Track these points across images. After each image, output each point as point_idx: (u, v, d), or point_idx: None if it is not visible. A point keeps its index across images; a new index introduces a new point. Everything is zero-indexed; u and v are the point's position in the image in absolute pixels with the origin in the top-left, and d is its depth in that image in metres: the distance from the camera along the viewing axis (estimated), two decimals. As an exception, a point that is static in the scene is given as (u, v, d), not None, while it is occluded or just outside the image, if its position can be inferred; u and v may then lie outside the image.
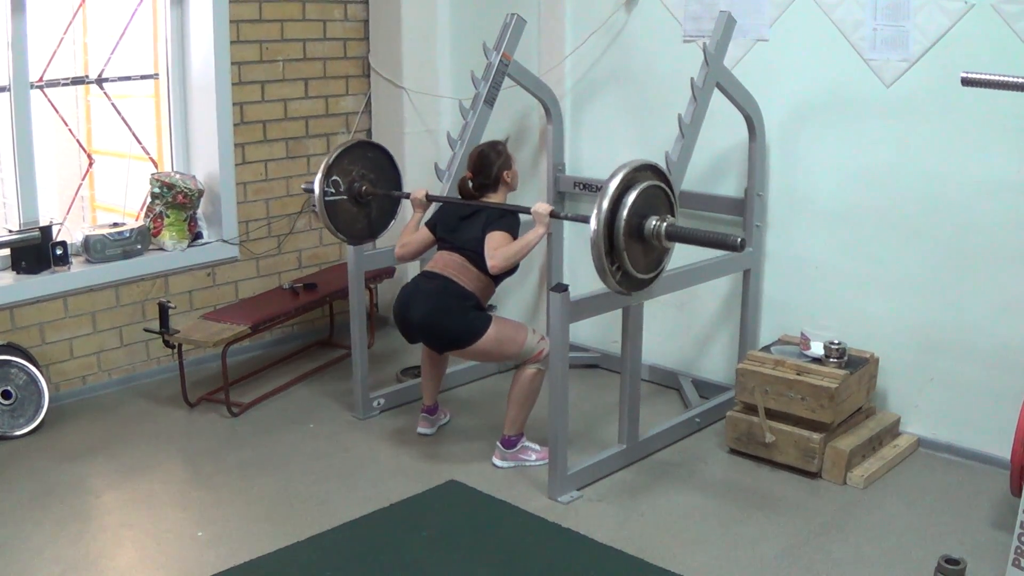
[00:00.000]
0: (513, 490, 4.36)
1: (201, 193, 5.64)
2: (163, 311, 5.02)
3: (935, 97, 4.45)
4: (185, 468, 4.62)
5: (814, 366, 4.52)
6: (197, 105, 5.71)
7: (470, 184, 4.66)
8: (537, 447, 4.59)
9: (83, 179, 5.79)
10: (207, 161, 5.74)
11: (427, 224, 4.72)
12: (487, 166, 4.61)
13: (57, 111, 5.58)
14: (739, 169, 5.09)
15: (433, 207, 4.80)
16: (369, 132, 6.28)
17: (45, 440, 4.86)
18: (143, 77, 5.84)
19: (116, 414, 5.18)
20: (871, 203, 4.72)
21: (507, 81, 5.28)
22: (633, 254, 3.86)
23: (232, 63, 5.58)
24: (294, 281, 5.80)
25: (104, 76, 5.68)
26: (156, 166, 5.87)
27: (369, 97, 6.26)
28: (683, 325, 5.50)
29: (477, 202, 4.60)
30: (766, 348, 4.79)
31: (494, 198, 4.62)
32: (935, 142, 4.49)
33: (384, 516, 4.14)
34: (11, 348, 4.98)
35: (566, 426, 4.27)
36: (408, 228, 4.75)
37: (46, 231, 5.11)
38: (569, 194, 5.78)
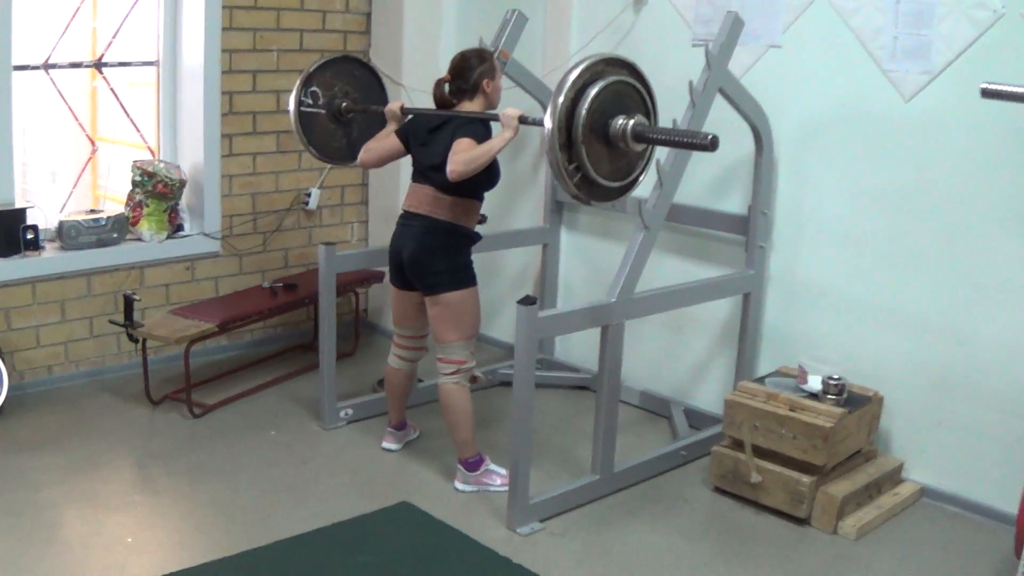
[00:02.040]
0: (470, 517, 4.04)
1: (183, 184, 5.41)
2: (128, 303, 4.78)
3: (957, 114, 4.06)
4: (132, 469, 4.38)
5: (810, 402, 4.13)
6: (186, 92, 5.50)
7: (446, 88, 4.28)
8: (503, 472, 4.25)
9: (85, 165, 5.62)
10: (193, 150, 5.52)
11: (397, 133, 4.36)
12: (467, 70, 4.21)
13: (61, 95, 5.42)
14: (744, 185, 4.73)
15: None
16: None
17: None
18: (143, 64, 5.64)
19: (76, 407, 4.97)
20: (883, 227, 4.34)
21: (509, 84, 4.99)
22: (595, 154, 3.58)
23: (223, 50, 5.36)
24: (274, 280, 5.54)
25: (104, 61, 5.52)
26: (154, 155, 5.66)
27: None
28: (679, 350, 5.15)
29: (449, 111, 4.23)
30: (760, 380, 4.41)
31: (469, 107, 4.22)
32: (955, 163, 4.10)
33: (323, 536, 3.84)
34: (-29, 334, 4.80)
35: (528, 450, 3.94)
36: (378, 136, 4.44)
37: (18, 213, 4.92)
38: (568, 204, 5.46)
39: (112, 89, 5.56)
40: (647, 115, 3.75)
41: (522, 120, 3.98)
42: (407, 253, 4.21)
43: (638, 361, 5.23)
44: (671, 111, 4.02)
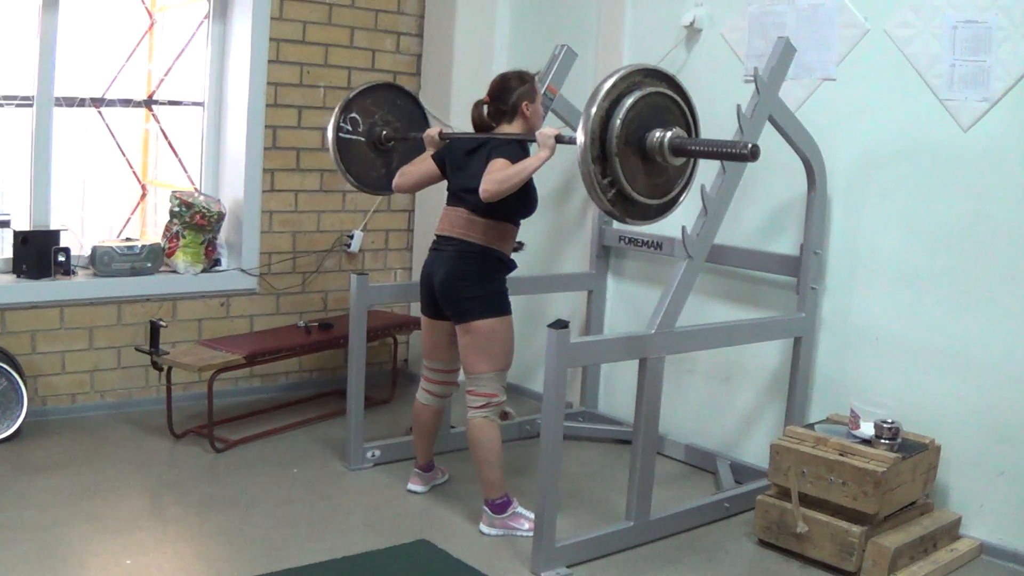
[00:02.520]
0: (492, 559, 3.77)
1: (222, 216, 5.32)
2: (154, 330, 4.67)
3: (1019, 142, 3.82)
4: (142, 496, 4.19)
5: (861, 447, 3.84)
6: (230, 124, 5.46)
7: (485, 110, 4.13)
8: (532, 516, 3.96)
9: (134, 210, 5.61)
10: (234, 185, 5.45)
11: (434, 157, 4.21)
12: (507, 91, 4.05)
13: (113, 134, 5.44)
14: (796, 225, 4.49)
15: None
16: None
17: (13, 450, 4.55)
18: (193, 104, 5.66)
19: (95, 435, 4.83)
20: (942, 265, 4.07)
21: (558, 122, 4.87)
22: (630, 169, 3.39)
23: (269, 83, 5.32)
24: (310, 320, 5.39)
25: (154, 98, 5.53)
26: (196, 190, 5.59)
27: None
28: (726, 401, 4.86)
29: (487, 134, 4.07)
30: (810, 426, 4.12)
31: (508, 130, 4.06)
32: (1017, 194, 3.85)
33: (330, 568, 3.60)
34: (-1, 352, 4.73)
35: (555, 488, 3.66)
36: (415, 161, 4.29)
37: (52, 236, 4.88)
38: (615, 248, 5.27)
39: (162, 128, 5.57)
40: (688, 131, 3.58)
41: (559, 139, 3.82)
42: (438, 278, 4.03)
43: (683, 413, 4.98)
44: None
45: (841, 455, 3.81)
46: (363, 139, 4.56)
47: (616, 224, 5.23)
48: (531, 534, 3.86)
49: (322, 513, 4.12)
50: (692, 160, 3.67)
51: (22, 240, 4.82)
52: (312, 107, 5.53)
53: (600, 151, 3.38)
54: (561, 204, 5.60)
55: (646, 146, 3.46)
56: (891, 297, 4.25)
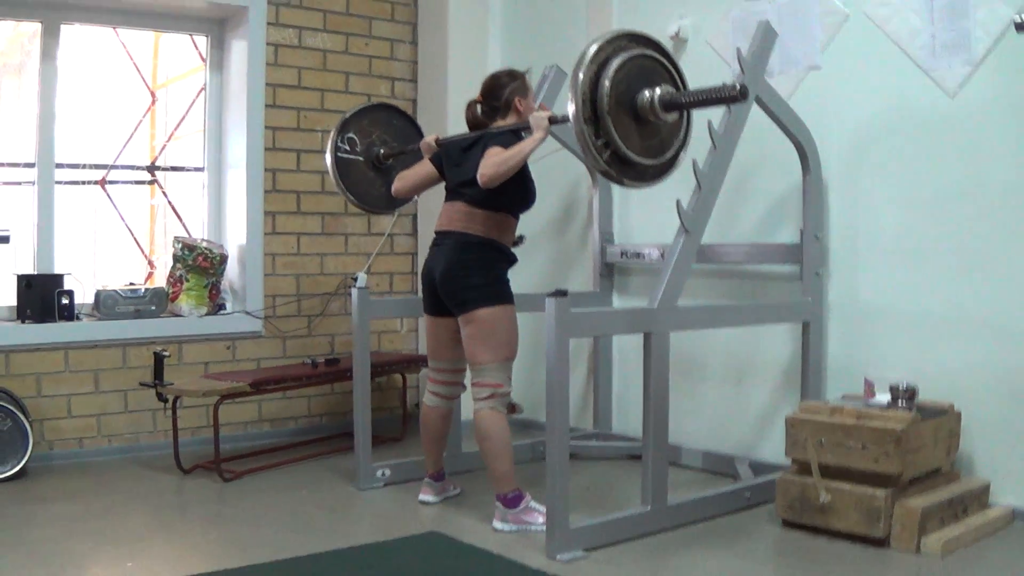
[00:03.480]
0: (506, 550, 3.63)
1: (224, 259, 5.35)
2: (158, 361, 4.65)
3: (1006, 101, 3.86)
4: (147, 515, 4.10)
5: (878, 411, 3.74)
6: (230, 168, 5.55)
7: (478, 108, 4.16)
8: (544, 509, 3.85)
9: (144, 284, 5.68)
10: (236, 229, 5.50)
11: (431, 158, 4.25)
12: (498, 88, 4.11)
13: (117, 209, 5.52)
14: (795, 216, 4.48)
15: None
16: (415, 217, 5.97)
17: (19, 486, 4.49)
18: (195, 169, 5.76)
19: (103, 474, 4.75)
20: (942, 233, 4.05)
21: (555, 144, 4.93)
22: (624, 129, 3.39)
23: (266, 127, 5.42)
24: (317, 356, 5.36)
25: (156, 165, 5.65)
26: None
27: (416, 180, 5.96)
28: (741, 403, 4.77)
29: (481, 131, 4.08)
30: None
31: (503, 126, 4.09)
32: (1011, 153, 3.86)
33: (338, 557, 3.49)
34: (1, 393, 4.67)
35: (567, 466, 3.56)
36: (413, 167, 4.32)
37: (56, 279, 4.92)
38: (618, 264, 5.25)
39: (165, 193, 5.66)
40: (676, 90, 3.61)
41: (552, 120, 3.86)
42: (439, 271, 4.02)
43: (698, 422, 4.90)
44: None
45: (858, 419, 3.72)
46: (361, 159, 4.62)
47: (617, 239, 5.27)
48: (545, 528, 3.74)
49: (331, 522, 4.02)
50: (686, 120, 3.71)
51: (26, 284, 4.85)
52: (310, 151, 5.61)
53: (592, 112, 3.41)
54: (563, 227, 5.63)
55: (637, 106, 3.50)
56: (896, 272, 4.21)
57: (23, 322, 4.84)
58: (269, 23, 5.47)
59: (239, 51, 5.48)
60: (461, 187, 4.05)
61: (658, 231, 5.00)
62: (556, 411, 3.53)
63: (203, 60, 5.68)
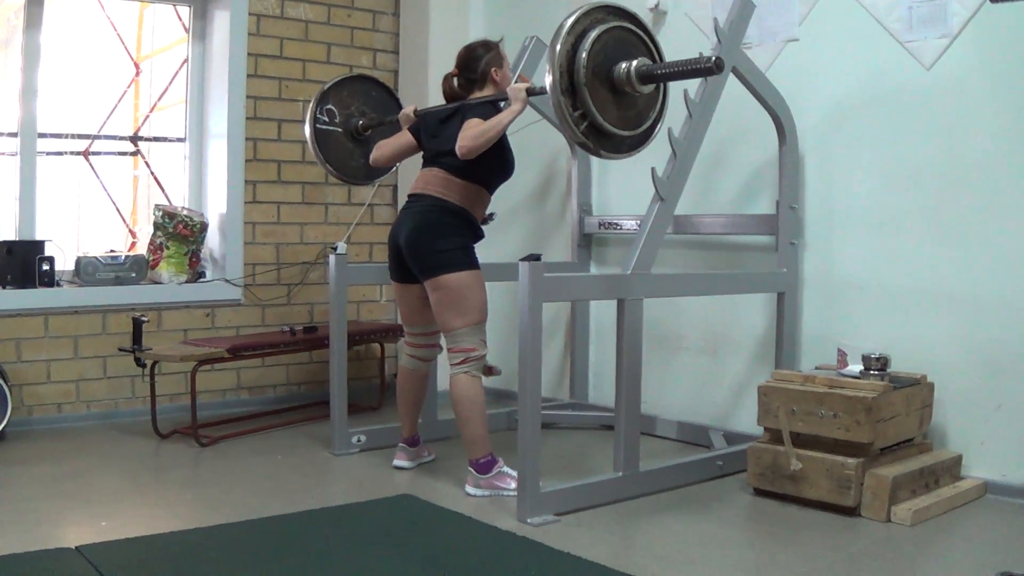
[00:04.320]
0: (478, 513, 3.65)
1: (204, 227, 5.36)
2: (137, 327, 4.65)
3: (982, 74, 3.88)
4: (123, 478, 4.12)
5: (850, 380, 3.77)
6: (212, 136, 5.54)
7: (455, 81, 4.18)
8: (516, 475, 3.86)
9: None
10: (217, 198, 5.50)
11: (410, 129, 4.24)
12: (474, 60, 4.12)
13: (100, 180, 5.50)
14: (771, 188, 4.51)
15: None
16: (395, 188, 5.96)
17: (-7, 449, 4.53)
18: (178, 140, 5.74)
19: (81, 438, 4.77)
20: (918, 206, 4.08)
21: (534, 115, 4.95)
22: (600, 100, 3.40)
23: (248, 96, 5.42)
24: (295, 324, 5.36)
25: (139, 136, 5.63)
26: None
27: (398, 151, 5.96)
28: (716, 374, 4.80)
29: (459, 103, 4.09)
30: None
31: (480, 96, 4.10)
32: (986, 126, 3.88)
33: (309, 517, 3.51)
34: (-22, 357, 4.69)
35: (538, 429, 3.58)
36: (392, 137, 4.32)
37: (37, 245, 4.91)
38: (596, 236, 5.27)
39: (149, 166, 5.64)
40: (652, 60, 3.62)
41: (530, 92, 3.86)
42: (404, 235, 4.01)
43: (673, 393, 4.94)
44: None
45: (830, 388, 3.75)
46: (340, 130, 4.62)
47: (595, 211, 5.28)
48: (516, 492, 3.77)
49: (304, 485, 4.04)
50: (662, 92, 3.72)
51: (7, 250, 4.84)
52: (292, 120, 5.61)
53: (569, 83, 3.41)
54: (542, 198, 5.64)
55: (614, 77, 3.50)
56: (871, 244, 4.24)
57: (3, 288, 4.84)
58: (252, -7, 5.48)
59: (221, 21, 5.47)
60: (439, 156, 4.06)
61: (636, 203, 4.99)
62: (528, 374, 3.55)
63: (186, 31, 5.66)
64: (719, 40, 4.04)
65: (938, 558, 3.25)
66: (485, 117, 3.91)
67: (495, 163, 4.01)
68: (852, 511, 3.62)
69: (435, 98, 5.69)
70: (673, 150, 3.91)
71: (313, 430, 4.99)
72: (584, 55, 3.40)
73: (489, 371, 4.04)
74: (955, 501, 3.73)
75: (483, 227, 4.14)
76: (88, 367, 5.04)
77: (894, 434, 3.73)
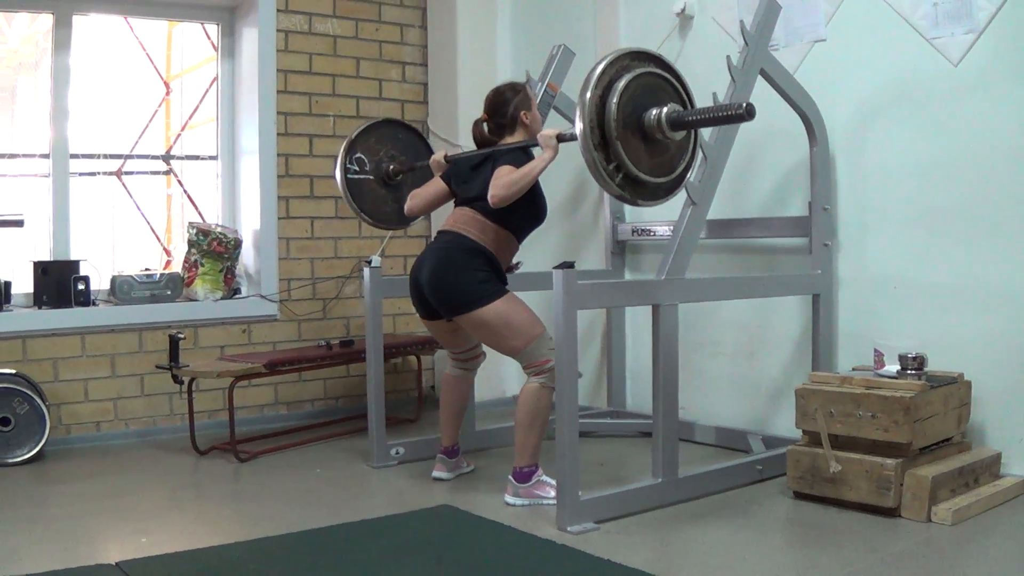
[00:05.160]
0: (518, 522, 3.64)
1: (239, 243, 5.41)
2: (173, 344, 4.69)
3: (1010, 68, 3.85)
4: (162, 493, 4.17)
5: (887, 380, 3.74)
6: (244, 154, 5.60)
7: (485, 127, 4.17)
8: (555, 483, 3.84)
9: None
10: (251, 215, 5.55)
11: (442, 176, 4.25)
12: (503, 104, 4.11)
13: (134, 199, 5.57)
14: (803, 190, 4.48)
15: None
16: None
17: (37, 469, 4.56)
18: (210, 158, 5.81)
19: (120, 456, 4.82)
20: (950, 202, 4.04)
21: (565, 124, 4.95)
22: (633, 150, 3.38)
23: (278, 112, 5.47)
24: (332, 338, 5.40)
25: (171, 154, 5.70)
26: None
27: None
28: (753, 379, 4.78)
29: (490, 149, 4.09)
30: (835, 375, 4.04)
31: (511, 141, 4.10)
32: (1016, 120, 3.84)
33: (350, 529, 3.53)
34: (18, 378, 4.73)
35: (576, 437, 3.57)
36: (425, 185, 4.33)
37: (72, 265, 4.98)
38: (630, 242, 5.27)
39: (182, 184, 5.71)
40: (683, 106, 3.58)
41: (560, 138, 3.86)
42: (425, 272, 4.00)
43: (711, 398, 4.92)
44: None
45: (867, 389, 3.72)
46: (371, 177, 4.69)
47: (628, 218, 5.29)
48: (556, 501, 3.76)
49: (343, 498, 4.06)
50: (693, 136, 3.69)
51: (42, 271, 4.92)
52: (323, 135, 5.66)
53: (601, 137, 3.40)
54: (574, 207, 5.65)
55: (645, 125, 3.48)
56: (904, 242, 4.21)
57: (39, 308, 4.91)
58: (279, 10, 5.52)
59: (250, 38, 5.53)
60: (471, 200, 4.06)
61: (668, 209, 4.88)
62: (566, 381, 3.55)
63: (215, 49, 5.73)
64: (746, 43, 4.03)
65: (980, 557, 3.21)
66: (517, 164, 3.92)
67: (527, 210, 4.02)
68: (892, 512, 3.59)
69: (465, 109, 5.79)
70: (704, 154, 3.90)
71: (351, 444, 5.01)
72: (614, 107, 3.38)
73: None
74: (995, 499, 3.68)
75: (507, 275, 4.13)
76: (126, 385, 5.10)
77: (933, 434, 3.69)
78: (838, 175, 4.40)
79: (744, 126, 4.04)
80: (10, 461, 4.55)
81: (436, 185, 4.26)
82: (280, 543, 3.38)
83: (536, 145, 3.97)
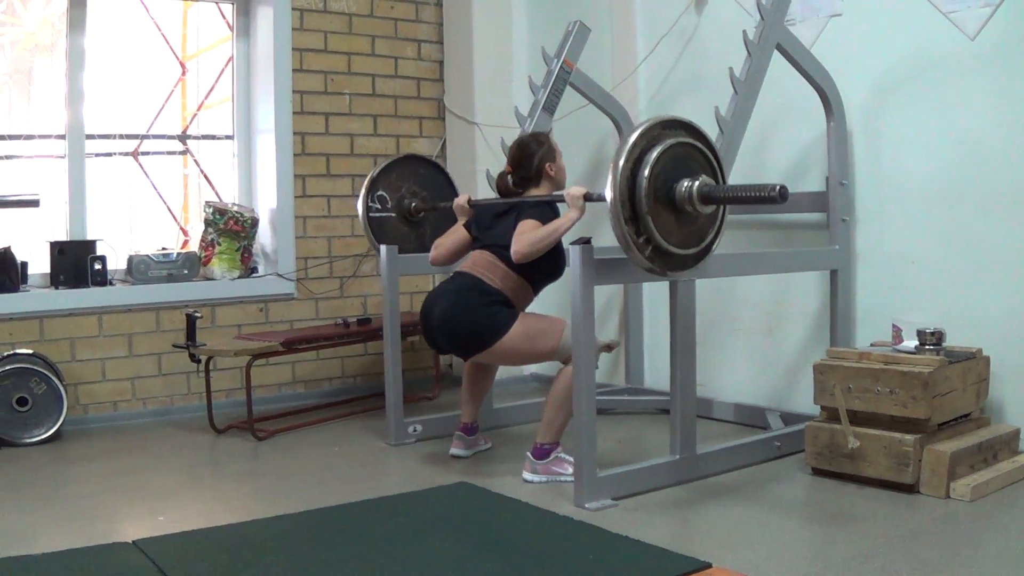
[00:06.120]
0: (536, 499, 3.64)
1: (255, 222, 5.41)
2: (190, 322, 4.70)
3: (1027, 38, 3.80)
4: (180, 473, 4.20)
5: (906, 356, 3.72)
6: (260, 132, 5.60)
7: (510, 180, 4.17)
8: (573, 460, 3.85)
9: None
10: (267, 193, 5.55)
11: (465, 224, 4.26)
12: (527, 157, 4.10)
13: (150, 180, 5.57)
14: (820, 166, 4.46)
15: None
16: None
17: (54, 448, 4.60)
18: (226, 137, 5.81)
19: (138, 435, 4.85)
20: (970, 177, 4.01)
21: (581, 101, 4.95)
22: (663, 223, 3.34)
23: (294, 91, 5.46)
24: (349, 316, 5.41)
25: (188, 135, 5.71)
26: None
27: (444, 141, 6.00)
28: (772, 356, 4.76)
29: (515, 199, 4.09)
30: (853, 351, 4.01)
31: (536, 193, 4.10)
32: (1035, 92, 3.80)
33: (366, 507, 3.54)
34: (36, 358, 4.76)
35: (593, 412, 3.57)
36: (448, 232, 4.31)
37: (88, 245, 4.99)
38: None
39: (197, 162, 5.72)
40: (713, 175, 3.53)
41: (587, 198, 3.82)
42: (437, 313, 3.98)
43: (729, 374, 4.92)
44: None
45: (886, 364, 3.70)
46: (394, 214, 4.71)
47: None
48: (574, 478, 3.76)
49: (361, 476, 4.08)
50: (722, 209, 3.63)
51: (59, 251, 4.93)
52: (339, 114, 5.66)
53: (632, 212, 3.36)
54: (591, 184, 5.39)
55: (675, 198, 3.43)
56: (923, 218, 4.18)
57: (56, 288, 4.92)
58: (294, -12, 5.52)
59: (265, 17, 5.52)
60: (493, 247, 4.04)
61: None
62: (582, 359, 3.54)
63: (230, 28, 5.72)
64: (762, 17, 4.00)
65: (999, 533, 3.20)
66: (542, 219, 3.91)
67: (547, 266, 4.01)
68: (911, 488, 3.57)
69: (481, 89, 5.79)
70: (720, 128, 3.88)
71: (369, 422, 5.02)
72: (645, 180, 3.32)
73: (608, 348, 4.08)
74: (1014, 475, 3.67)
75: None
76: (143, 364, 5.12)
77: (951, 409, 3.67)
78: (855, 150, 4.36)
79: (760, 101, 4.04)
80: (28, 441, 4.58)
81: (459, 233, 4.25)
82: (297, 520, 3.38)
83: (561, 199, 3.93)
